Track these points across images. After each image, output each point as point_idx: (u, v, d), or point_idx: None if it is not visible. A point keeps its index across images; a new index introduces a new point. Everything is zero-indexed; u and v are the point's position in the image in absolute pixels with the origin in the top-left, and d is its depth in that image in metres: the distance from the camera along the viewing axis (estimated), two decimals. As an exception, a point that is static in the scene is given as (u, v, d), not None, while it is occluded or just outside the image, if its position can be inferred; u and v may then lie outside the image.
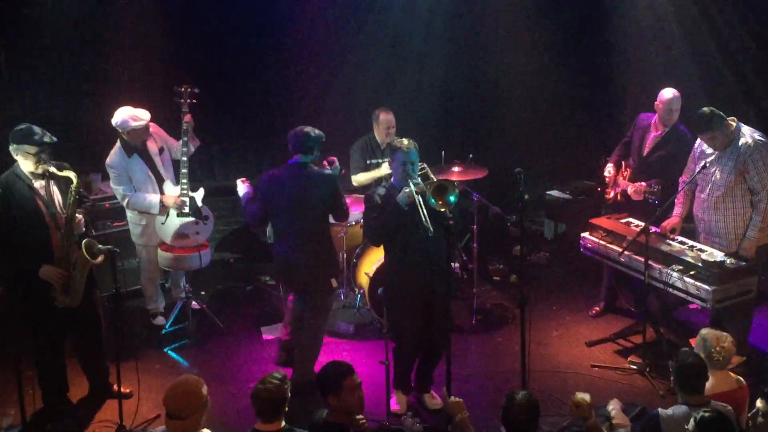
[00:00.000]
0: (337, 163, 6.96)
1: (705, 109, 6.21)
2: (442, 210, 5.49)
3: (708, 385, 4.69)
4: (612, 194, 7.22)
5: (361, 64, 9.04)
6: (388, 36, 9.03)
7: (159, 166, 6.92)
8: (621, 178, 7.12)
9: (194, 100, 6.89)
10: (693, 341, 6.25)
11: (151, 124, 6.83)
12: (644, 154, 6.98)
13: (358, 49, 8.98)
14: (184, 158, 6.83)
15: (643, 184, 6.77)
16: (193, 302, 7.31)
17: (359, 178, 7.69)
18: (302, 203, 6.06)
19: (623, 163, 7.16)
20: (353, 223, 7.32)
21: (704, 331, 5.11)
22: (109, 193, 7.33)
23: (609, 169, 7.19)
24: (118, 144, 6.79)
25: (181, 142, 6.87)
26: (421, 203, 5.57)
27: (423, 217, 5.56)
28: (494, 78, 9.32)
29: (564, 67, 9.21)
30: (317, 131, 6.11)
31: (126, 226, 7.26)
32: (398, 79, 9.15)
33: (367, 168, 7.65)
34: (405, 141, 5.78)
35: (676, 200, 6.62)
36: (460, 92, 9.40)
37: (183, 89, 6.86)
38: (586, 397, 4.64)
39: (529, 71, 9.20)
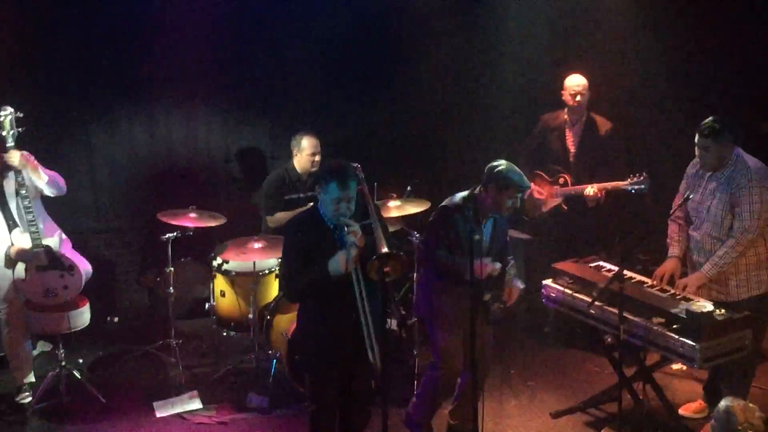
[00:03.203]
0: None
1: (718, 117, 6.06)
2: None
3: None
4: (549, 205, 7.46)
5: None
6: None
7: (12, 208, 6.49)
8: (557, 188, 7.34)
9: (20, 128, 6.35)
10: (684, 409, 6.57)
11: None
12: (572, 156, 7.39)
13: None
14: (27, 201, 6.39)
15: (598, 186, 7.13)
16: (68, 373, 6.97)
17: (277, 217, 7.62)
18: None
19: (539, 173, 7.41)
20: (267, 272, 7.26)
21: (727, 403, 4.68)
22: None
23: (536, 190, 7.43)
24: None
25: (16, 182, 6.37)
26: (359, 272, 4.94)
27: (357, 288, 4.96)
28: (436, 95, 9.26)
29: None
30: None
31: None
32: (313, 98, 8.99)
33: (286, 205, 7.62)
34: (340, 166, 5.04)
35: (669, 237, 6.46)
36: (396, 113, 9.23)
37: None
38: None
39: (475, 87, 9.19)
